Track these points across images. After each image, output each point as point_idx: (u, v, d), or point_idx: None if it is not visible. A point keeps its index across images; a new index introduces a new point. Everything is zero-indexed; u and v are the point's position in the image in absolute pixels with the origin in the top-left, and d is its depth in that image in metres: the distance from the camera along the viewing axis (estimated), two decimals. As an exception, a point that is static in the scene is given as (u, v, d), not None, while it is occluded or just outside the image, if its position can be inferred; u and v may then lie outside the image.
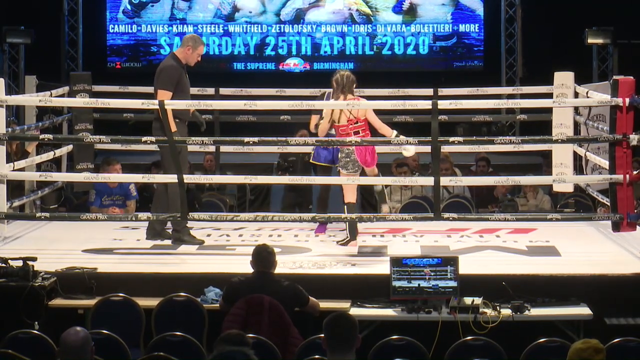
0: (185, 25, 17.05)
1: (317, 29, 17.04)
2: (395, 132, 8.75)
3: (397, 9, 17.01)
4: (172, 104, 8.68)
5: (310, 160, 9.76)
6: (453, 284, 7.30)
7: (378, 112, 9.82)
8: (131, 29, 17.14)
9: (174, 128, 8.50)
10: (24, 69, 15.87)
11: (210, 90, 11.22)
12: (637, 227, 8.40)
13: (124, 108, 10.96)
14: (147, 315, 7.20)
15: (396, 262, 7.37)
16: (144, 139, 8.55)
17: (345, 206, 8.86)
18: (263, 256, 7.06)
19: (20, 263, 7.46)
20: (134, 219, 9.06)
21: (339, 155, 8.83)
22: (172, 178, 8.70)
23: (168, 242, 8.91)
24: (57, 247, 8.85)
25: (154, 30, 17.13)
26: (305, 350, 6.29)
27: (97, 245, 8.85)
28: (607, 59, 16.32)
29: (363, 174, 8.94)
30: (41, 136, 9.29)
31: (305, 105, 9.11)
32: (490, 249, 8.79)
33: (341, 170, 8.83)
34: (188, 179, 8.80)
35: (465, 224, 9.62)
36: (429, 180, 8.73)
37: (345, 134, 8.74)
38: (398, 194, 11.66)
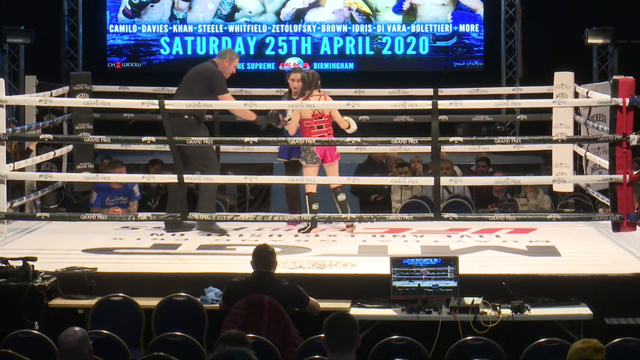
0: (185, 26, 17.04)
1: (317, 29, 17.04)
2: (347, 118, 9.40)
3: (397, 9, 17.01)
4: (172, 104, 8.69)
5: (277, 158, 10.07)
6: (453, 284, 7.31)
7: (378, 112, 9.86)
8: (131, 29, 17.13)
9: (252, 116, 9.32)
10: (24, 69, 15.87)
11: (210, 90, 11.20)
12: (637, 227, 8.40)
13: (124, 108, 10.96)
14: (147, 315, 7.19)
15: (396, 262, 7.37)
16: (144, 139, 8.55)
17: (307, 196, 9.32)
18: (263, 256, 7.07)
19: (20, 263, 7.46)
20: (134, 219, 9.06)
21: (302, 147, 9.27)
22: (171, 178, 8.73)
23: (172, 240, 8.98)
24: (57, 247, 8.85)
25: (154, 31, 17.13)
26: (305, 350, 6.29)
27: (97, 245, 8.85)
28: (607, 59, 16.32)
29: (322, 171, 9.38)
30: (41, 136, 9.29)
31: (305, 105, 9.11)
32: (490, 249, 8.78)
33: (301, 161, 9.36)
34: (188, 179, 8.80)
35: (465, 224, 9.62)
36: (429, 180, 8.73)
37: (309, 127, 9.25)
38: (398, 194, 11.66)
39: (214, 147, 9.39)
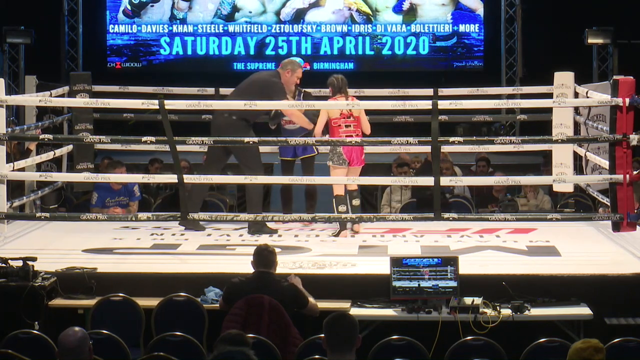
0: (185, 26, 17.06)
1: (317, 29, 17.05)
2: None
3: (397, 9, 17.02)
4: (171, 104, 8.69)
5: (279, 157, 10.06)
6: (453, 284, 7.30)
7: (379, 112, 9.85)
8: (131, 29, 17.14)
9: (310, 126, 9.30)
10: (24, 69, 15.88)
11: (210, 90, 11.23)
12: (637, 227, 8.40)
13: (124, 108, 10.96)
14: (147, 315, 7.19)
15: (396, 262, 7.37)
16: (144, 139, 8.55)
17: (334, 199, 9.22)
18: (264, 255, 7.06)
19: (20, 263, 7.46)
20: (133, 219, 9.06)
21: (329, 148, 9.21)
22: (171, 178, 8.74)
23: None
24: (57, 247, 8.85)
25: (154, 31, 17.14)
26: (305, 350, 6.29)
27: (97, 245, 8.85)
28: (607, 59, 16.33)
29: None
30: (41, 136, 9.29)
31: (305, 105, 9.12)
32: (490, 249, 8.78)
33: (328, 162, 9.28)
34: (188, 179, 8.80)
35: (465, 224, 9.62)
36: (429, 180, 8.73)
37: (337, 126, 9.18)
38: (398, 194, 11.65)
39: (258, 148, 9.36)
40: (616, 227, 8.32)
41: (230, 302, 6.89)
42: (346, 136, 9.09)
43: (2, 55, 16.02)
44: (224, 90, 11.24)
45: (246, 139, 8.73)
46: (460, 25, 16.99)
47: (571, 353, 4.95)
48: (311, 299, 7.07)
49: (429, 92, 10.75)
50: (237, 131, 9.11)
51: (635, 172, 8.24)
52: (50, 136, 9.51)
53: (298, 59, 9.84)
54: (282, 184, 10.10)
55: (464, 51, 17.07)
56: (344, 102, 9.08)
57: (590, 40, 15.88)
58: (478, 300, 7.15)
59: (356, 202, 9.40)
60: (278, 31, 17.08)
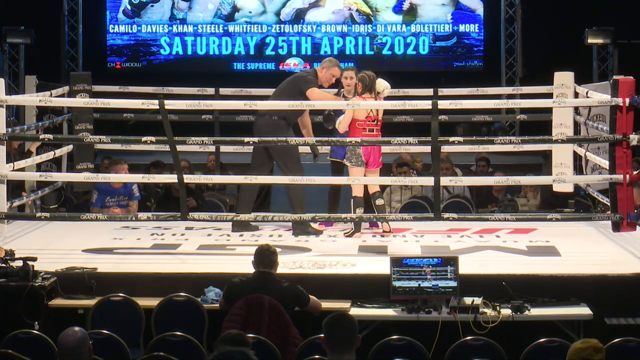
0: (185, 25, 17.05)
1: (317, 29, 17.05)
2: None
3: (397, 9, 17.02)
4: (171, 104, 8.69)
5: (328, 158, 9.89)
6: (453, 284, 7.30)
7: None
8: (131, 29, 17.14)
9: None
10: (24, 69, 15.88)
11: (210, 90, 11.22)
12: (637, 227, 8.40)
13: (124, 108, 10.97)
14: (147, 315, 7.19)
15: (396, 262, 7.37)
16: (144, 139, 8.55)
17: (352, 200, 9.17)
18: (265, 255, 7.07)
19: (20, 263, 7.46)
20: (133, 219, 9.06)
21: (347, 148, 9.15)
22: (171, 178, 8.74)
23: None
24: (57, 247, 8.85)
25: (154, 31, 17.14)
26: (305, 350, 6.29)
27: (97, 245, 8.85)
28: (607, 59, 16.33)
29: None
30: (41, 136, 9.29)
31: (305, 105, 9.11)
32: (490, 249, 8.78)
33: (346, 162, 9.20)
34: (188, 179, 8.80)
35: (465, 224, 9.62)
36: (429, 180, 8.74)
37: (360, 128, 9.11)
38: (398, 194, 11.66)
39: (297, 148, 9.31)
40: (616, 227, 8.32)
41: (230, 302, 6.90)
42: None
43: (2, 55, 16.02)
44: (224, 90, 11.26)
45: (246, 139, 8.72)
46: (460, 25, 16.98)
47: (570, 353, 4.95)
48: (313, 297, 7.07)
49: (429, 92, 10.75)
50: (276, 131, 9.06)
51: (635, 172, 8.24)
52: (50, 136, 9.50)
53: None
54: (330, 185, 9.86)
55: (464, 51, 17.07)
56: (372, 103, 9.00)
57: (590, 40, 15.88)
58: (478, 300, 7.15)
59: (380, 202, 9.31)
60: (278, 31, 17.08)
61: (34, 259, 7.50)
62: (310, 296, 7.06)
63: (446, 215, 8.50)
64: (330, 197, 9.89)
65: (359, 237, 9.21)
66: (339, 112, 9.47)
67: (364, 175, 9.20)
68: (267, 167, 9.52)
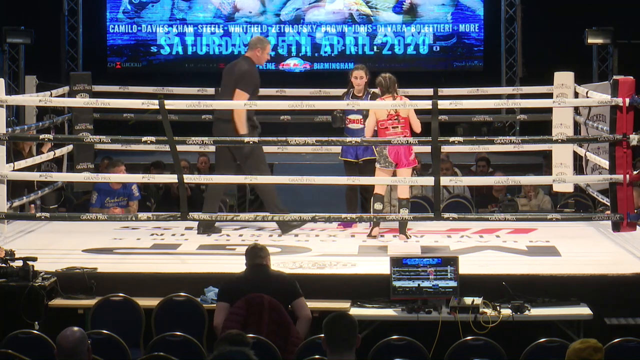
0: (185, 25, 17.05)
1: (317, 29, 17.04)
2: None
3: (397, 9, 17.02)
4: (171, 104, 8.70)
5: (340, 157, 9.87)
6: (453, 284, 7.31)
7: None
8: (131, 29, 17.14)
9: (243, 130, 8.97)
10: (24, 69, 15.88)
11: (211, 90, 11.21)
12: (637, 227, 8.40)
13: (124, 108, 10.96)
14: (147, 315, 7.20)
15: (396, 262, 7.37)
16: (144, 139, 8.55)
17: (372, 197, 9.15)
18: (255, 251, 7.08)
19: (20, 263, 7.46)
20: (134, 219, 9.06)
21: (375, 149, 9.11)
22: (171, 178, 8.73)
23: (173, 242, 9.00)
24: (57, 247, 8.85)
25: (154, 30, 17.14)
26: (305, 350, 6.29)
27: (97, 245, 8.85)
28: (607, 59, 16.32)
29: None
30: (41, 136, 9.29)
31: (305, 105, 9.11)
32: (490, 249, 8.78)
33: (376, 164, 9.14)
34: (188, 179, 8.80)
35: (465, 224, 9.62)
36: (429, 180, 8.73)
37: (384, 128, 9.00)
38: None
39: (262, 148, 9.31)
40: (616, 227, 8.32)
41: (227, 300, 6.85)
42: None
43: (2, 55, 16.01)
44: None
45: (246, 139, 8.73)
46: (460, 25, 16.99)
47: (570, 353, 4.94)
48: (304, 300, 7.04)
49: (429, 92, 10.75)
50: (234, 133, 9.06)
51: (635, 172, 8.24)
52: (50, 136, 9.50)
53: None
54: (346, 185, 9.83)
55: (464, 51, 17.07)
56: (388, 103, 8.97)
57: (590, 40, 15.88)
58: (478, 300, 7.15)
59: (404, 211, 9.12)
60: (278, 31, 17.08)
61: (34, 259, 7.50)
62: (304, 299, 7.03)
63: (446, 215, 8.51)
64: (347, 197, 9.91)
65: (376, 235, 9.17)
66: (347, 112, 9.51)
67: (394, 175, 9.08)
68: (233, 168, 9.44)
